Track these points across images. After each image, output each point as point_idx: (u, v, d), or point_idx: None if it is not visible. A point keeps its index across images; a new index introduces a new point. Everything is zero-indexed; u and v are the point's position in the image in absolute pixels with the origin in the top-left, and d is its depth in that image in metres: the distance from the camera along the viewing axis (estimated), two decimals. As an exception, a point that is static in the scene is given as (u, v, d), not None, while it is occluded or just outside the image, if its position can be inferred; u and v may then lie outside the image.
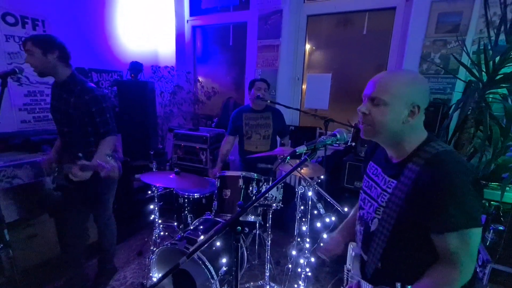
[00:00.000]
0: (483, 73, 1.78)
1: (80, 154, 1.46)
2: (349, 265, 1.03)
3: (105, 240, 1.98)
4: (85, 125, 1.63)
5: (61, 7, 2.69)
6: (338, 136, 0.85)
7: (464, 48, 1.97)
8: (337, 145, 2.85)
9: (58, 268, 2.13)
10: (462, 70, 2.09)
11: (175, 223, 2.45)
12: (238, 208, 0.79)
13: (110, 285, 2.02)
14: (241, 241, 1.96)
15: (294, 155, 0.81)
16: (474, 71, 1.83)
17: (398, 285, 0.60)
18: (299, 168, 1.73)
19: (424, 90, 0.80)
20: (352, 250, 1.04)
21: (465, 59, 2.06)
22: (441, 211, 0.71)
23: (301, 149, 0.81)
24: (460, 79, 2.02)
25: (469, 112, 1.81)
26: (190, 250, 1.00)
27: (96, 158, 1.52)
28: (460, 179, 0.70)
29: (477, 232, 0.72)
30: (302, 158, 0.82)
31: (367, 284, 0.83)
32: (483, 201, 1.69)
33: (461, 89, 2.09)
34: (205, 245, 0.78)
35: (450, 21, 2.16)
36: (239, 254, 1.94)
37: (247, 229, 1.65)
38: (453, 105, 1.84)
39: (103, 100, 1.64)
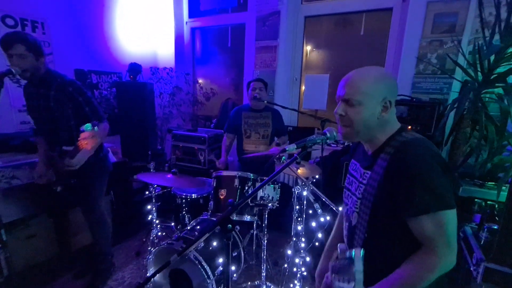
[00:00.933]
0: (478, 73, 1.79)
1: (64, 148, 1.53)
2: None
3: (98, 239, 1.94)
4: (68, 119, 1.62)
5: (61, 9, 2.72)
6: (328, 134, 0.86)
7: (460, 49, 1.97)
8: (334, 145, 2.85)
9: (56, 269, 2.14)
10: (458, 70, 2.10)
11: (173, 224, 2.46)
12: (229, 207, 0.79)
13: (108, 285, 2.03)
14: (238, 241, 1.98)
15: (284, 152, 0.81)
16: (470, 71, 1.84)
17: (347, 252, 0.67)
18: (294, 168, 1.75)
19: (393, 85, 0.83)
20: (338, 247, 1.04)
21: (461, 59, 2.06)
22: (411, 194, 0.72)
23: (291, 147, 0.83)
24: (456, 79, 2.03)
25: (465, 112, 1.82)
26: (182, 248, 1.01)
27: (84, 153, 1.55)
28: (428, 162, 0.72)
29: (450, 214, 0.72)
30: (293, 156, 0.83)
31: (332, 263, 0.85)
32: (477, 200, 1.69)
33: (458, 89, 2.10)
34: (196, 244, 0.78)
35: (446, 22, 2.17)
36: (236, 253, 1.94)
37: (238, 227, 1.65)
38: (449, 105, 1.85)
39: (86, 89, 1.67)
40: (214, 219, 1.90)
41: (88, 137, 1.39)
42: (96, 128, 1.40)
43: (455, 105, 1.77)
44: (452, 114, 1.81)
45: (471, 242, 1.36)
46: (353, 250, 0.65)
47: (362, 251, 0.59)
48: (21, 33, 1.50)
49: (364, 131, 0.84)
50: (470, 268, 1.26)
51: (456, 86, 2.18)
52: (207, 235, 0.78)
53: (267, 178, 0.80)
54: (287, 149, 0.82)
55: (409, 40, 2.34)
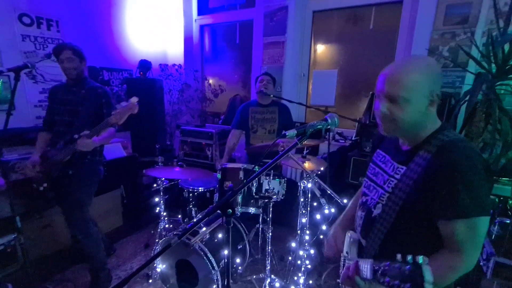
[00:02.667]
0: (492, 64, 1.73)
1: (76, 136, 1.62)
2: (346, 251, 1.03)
3: (87, 248, 1.84)
4: (90, 116, 1.77)
5: (74, 8, 2.80)
6: (329, 120, 0.85)
7: (473, 40, 1.91)
8: (342, 141, 2.82)
9: (68, 259, 2.22)
10: (471, 63, 2.03)
11: (180, 216, 2.50)
12: (229, 192, 0.80)
13: (117, 275, 2.08)
14: (244, 234, 1.99)
15: (283, 138, 0.81)
16: (484, 63, 1.77)
17: (399, 256, 0.56)
18: (300, 161, 1.74)
19: (438, 75, 0.77)
20: (349, 236, 1.03)
21: (474, 52, 1.99)
22: (451, 197, 0.70)
23: (291, 133, 0.82)
24: (469, 71, 1.96)
25: (478, 105, 1.76)
26: (187, 238, 1.02)
27: (98, 138, 1.67)
28: (473, 165, 0.69)
29: (485, 221, 0.71)
30: (293, 142, 0.83)
31: (365, 260, 0.80)
32: (493, 197, 1.63)
33: (471, 82, 2.02)
34: (195, 227, 0.79)
35: (459, 13, 2.10)
36: (241, 247, 1.95)
37: (238, 213, 1.66)
38: (461, 98, 1.79)
39: (111, 96, 1.87)
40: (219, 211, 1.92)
41: (123, 110, 1.54)
42: (135, 99, 1.57)
43: (467, 98, 1.71)
44: (464, 107, 1.75)
45: (482, 237, 1.31)
46: (419, 257, 0.55)
47: (422, 259, 0.50)
48: (68, 43, 1.81)
49: (408, 127, 0.78)
50: (480, 263, 1.22)
51: (469, 79, 2.10)
52: (206, 218, 0.79)
53: (268, 163, 0.80)
54: (287, 134, 0.81)
55: (420, 33, 2.28)
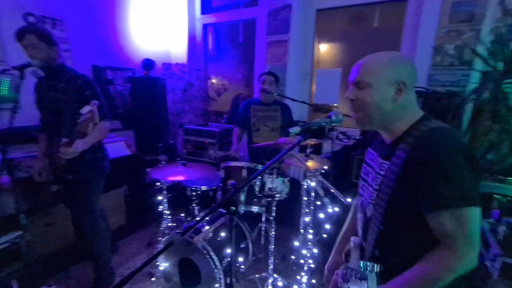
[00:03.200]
0: (499, 62, 1.70)
1: (61, 142, 1.48)
2: (346, 259, 1.01)
3: (95, 244, 1.82)
4: (74, 112, 1.55)
5: (78, 7, 2.82)
6: (334, 117, 0.84)
7: (480, 38, 1.88)
8: (346, 140, 2.80)
9: (72, 256, 2.23)
10: (478, 61, 2.00)
11: (183, 215, 2.50)
12: (232, 189, 0.80)
13: (120, 273, 2.09)
14: (247, 233, 1.98)
15: (287, 135, 0.81)
16: (490, 61, 1.75)
17: (361, 263, 0.60)
18: (303, 160, 1.73)
19: (407, 67, 0.78)
20: (352, 241, 1.02)
21: (480, 50, 1.97)
22: (431, 188, 0.68)
23: (295, 130, 0.81)
24: (475, 69, 1.93)
25: (484, 104, 1.73)
26: (190, 237, 1.02)
27: (82, 141, 1.50)
28: (451, 153, 0.67)
29: (474, 211, 0.67)
30: (297, 140, 0.82)
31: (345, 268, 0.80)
32: (497, 196, 1.61)
33: (477, 81, 2.00)
34: (197, 225, 0.79)
35: (465, 10, 2.07)
36: (244, 245, 1.95)
37: (241, 211, 1.65)
38: (467, 96, 1.77)
39: (95, 85, 1.66)
40: (223, 210, 1.92)
41: (87, 118, 1.37)
42: (95, 107, 1.38)
43: (474, 96, 1.69)
44: (470, 106, 1.73)
45: (488, 237, 1.30)
46: (366, 263, 0.59)
47: (376, 267, 0.54)
48: (31, 25, 1.54)
49: (378, 117, 0.79)
50: (486, 264, 1.20)
51: (475, 78, 2.07)
52: (210, 216, 0.78)
53: (272, 160, 0.79)
54: (290, 131, 0.81)
55: (425, 31, 2.26)
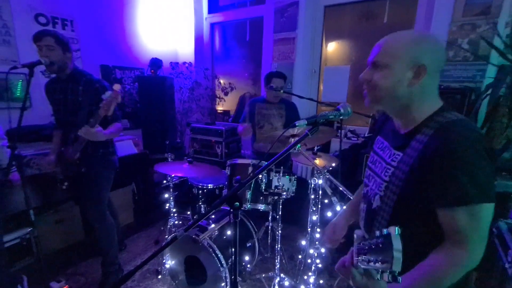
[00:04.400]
0: (517, 55, 1.63)
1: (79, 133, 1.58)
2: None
3: (103, 239, 1.87)
4: (91, 113, 1.67)
5: (88, 8, 2.86)
6: (342, 110, 0.81)
7: (496, 31, 1.80)
8: (355, 138, 2.75)
9: (80, 253, 2.26)
10: (494, 55, 1.92)
11: (189, 213, 2.50)
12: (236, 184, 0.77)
13: (127, 270, 2.10)
14: (253, 232, 1.96)
15: (293, 128, 0.78)
16: (508, 55, 1.67)
17: (377, 232, 0.55)
18: (311, 158, 1.69)
19: (431, 49, 0.71)
20: (355, 233, 0.98)
21: (497, 43, 1.89)
22: (449, 182, 0.64)
23: (301, 123, 0.78)
24: (491, 63, 1.85)
25: (501, 99, 1.66)
26: (196, 235, 1.00)
27: (102, 130, 1.61)
28: (473, 146, 0.63)
29: (489, 208, 0.64)
30: (303, 133, 0.79)
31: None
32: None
33: (493, 75, 1.92)
34: (201, 220, 0.77)
35: (480, 3, 1.99)
36: (250, 244, 1.92)
37: (246, 207, 1.63)
38: (483, 91, 1.69)
39: (109, 89, 1.72)
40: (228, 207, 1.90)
41: (109, 100, 1.48)
42: (118, 88, 1.50)
43: (490, 91, 1.62)
44: (486, 101, 1.66)
45: (507, 239, 1.23)
46: (387, 228, 0.55)
47: (397, 229, 0.50)
48: (52, 29, 1.66)
49: (390, 100, 0.74)
50: (505, 266, 1.14)
51: (491, 72, 1.99)
52: (214, 210, 0.77)
53: (278, 154, 0.76)
54: (297, 124, 0.78)
55: (438, 25, 2.18)
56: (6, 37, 2.33)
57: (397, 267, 0.48)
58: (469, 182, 0.63)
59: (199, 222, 1.76)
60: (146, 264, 0.72)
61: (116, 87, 1.49)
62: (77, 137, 1.63)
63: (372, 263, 0.52)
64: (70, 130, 1.75)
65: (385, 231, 0.52)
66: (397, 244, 0.49)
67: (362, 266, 0.56)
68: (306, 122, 0.78)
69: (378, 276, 0.53)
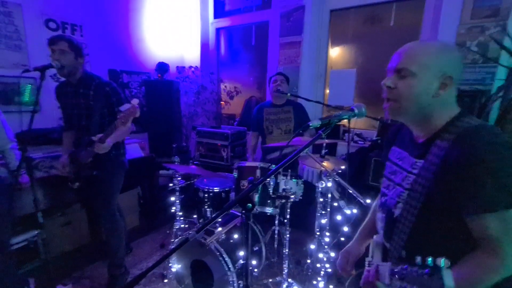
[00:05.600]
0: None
1: (93, 138, 1.61)
2: (371, 256, 0.96)
3: (112, 240, 1.89)
4: (103, 116, 1.74)
5: (96, 14, 2.91)
6: (356, 111, 0.80)
7: (507, 32, 1.78)
8: (362, 142, 2.72)
9: (87, 256, 2.25)
10: (503, 57, 1.90)
11: (195, 216, 2.49)
12: (249, 185, 0.76)
13: (133, 274, 2.09)
14: (260, 236, 1.94)
15: (306, 129, 0.77)
16: (519, 56, 1.66)
17: (418, 259, 0.51)
18: (319, 160, 1.68)
19: (457, 60, 0.72)
20: (374, 240, 0.97)
21: (507, 45, 1.86)
22: (478, 189, 0.62)
23: (315, 123, 0.77)
24: (502, 65, 1.83)
25: (512, 102, 1.64)
26: (203, 238, 0.99)
27: (111, 138, 1.63)
28: (499, 151, 0.62)
29: None
30: (317, 134, 0.78)
31: (385, 264, 0.74)
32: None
33: (503, 77, 1.89)
34: (214, 221, 0.76)
35: (488, 5, 1.98)
36: (257, 248, 1.90)
37: (258, 209, 1.61)
38: (494, 94, 1.67)
39: (120, 91, 1.80)
40: (235, 212, 1.89)
41: (127, 114, 1.48)
42: (136, 103, 1.49)
43: (501, 93, 1.60)
44: (497, 104, 1.64)
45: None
46: (440, 259, 0.50)
47: (443, 261, 0.46)
48: (68, 35, 1.72)
49: (414, 110, 0.73)
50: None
51: (501, 74, 1.97)
52: (225, 212, 0.76)
53: (290, 155, 0.76)
54: (310, 124, 0.77)
55: (445, 28, 2.17)
56: (17, 42, 2.37)
57: None
58: (499, 188, 0.61)
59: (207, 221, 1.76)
60: (158, 266, 0.71)
61: (134, 101, 1.50)
62: (92, 142, 1.64)
63: None
64: (82, 134, 1.77)
65: (429, 260, 0.48)
66: (449, 280, 0.44)
67: None
68: (320, 123, 0.77)
69: None
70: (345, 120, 1.74)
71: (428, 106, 0.72)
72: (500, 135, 0.65)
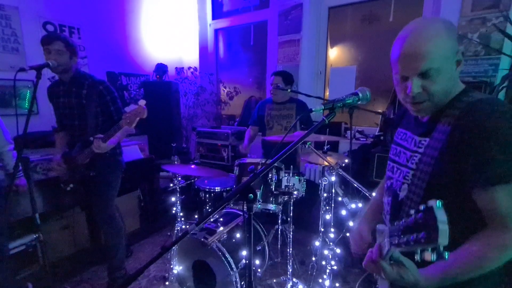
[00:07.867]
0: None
1: (91, 138, 1.57)
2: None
3: (111, 241, 1.85)
4: (97, 115, 1.69)
5: (94, 16, 2.90)
6: (360, 95, 0.76)
7: (509, 21, 1.76)
8: (364, 139, 2.69)
9: (86, 260, 2.21)
10: (507, 48, 1.88)
11: (196, 216, 2.45)
12: (250, 174, 0.73)
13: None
14: (263, 235, 1.89)
15: (310, 112, 0.74)
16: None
17: (412, 210, 0.49)
18: (322, 155, 1.64)
19: (455, 31, 0.72)
20: (377, 228, 0.93)
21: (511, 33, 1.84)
22: (486, 161, 0.60)
23: (317, 108, 0.74)
24: (506, 54, 1.80)
25: (517, 92, 1.60)
26: (204, 238, 0.95)
27: (113, 139, 1.59)
28: (508, 122, 0.60)
29: None
30: (320, 120, 0.75)
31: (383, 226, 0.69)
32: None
33: (507, 67, 1.86)
34: (214, 214, 0.73)
35: (489, -4, 1.96)
36: (260, 248, 1.85)
37: (260, 200, 1.57)
38: (498, 84, 1.64)
39: (114, 90, 1.76)
40: (237, 210, 1.85)
41: (133, 114, 1.44)
42: (143, 104, 1.46)
43: (505, 83, 1.56)
44: (502, 94, 1.60)
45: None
46: (434, 200, 0.47)
47: (438, 202, 0.45)
48: (61, 34, 1.70)
49: (443, 98, 0.70)
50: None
51: (504, 64, 1.94)
52: (226, 204, 0.72)
53: (292, 144, 0.72)
54: (313, 110, 0.74)
55: (446, 21, 2.15)
56: (15, 44, 2.36)
57: (444, 240, 0.43)
58: (508, 159, 0.58)
59: (206, 225, 1.72)
60: (156, 260, 0.68)
61: (142, 102, 1.46)
62: (89, 143, 1.60)
63: (410, 244, 0.47)
64: (77, 134, 1.73)
65: (422, 207, 0.47)
66: (441, 215, 0.43)
67: (398, 250, 0.51)
68: (323, 107, 0.74)
69: (418, 257, 0.47)
70: (347, 118, 1.70)
71: (450, 88, 0.71)
72: (506, 105, 0.63)
